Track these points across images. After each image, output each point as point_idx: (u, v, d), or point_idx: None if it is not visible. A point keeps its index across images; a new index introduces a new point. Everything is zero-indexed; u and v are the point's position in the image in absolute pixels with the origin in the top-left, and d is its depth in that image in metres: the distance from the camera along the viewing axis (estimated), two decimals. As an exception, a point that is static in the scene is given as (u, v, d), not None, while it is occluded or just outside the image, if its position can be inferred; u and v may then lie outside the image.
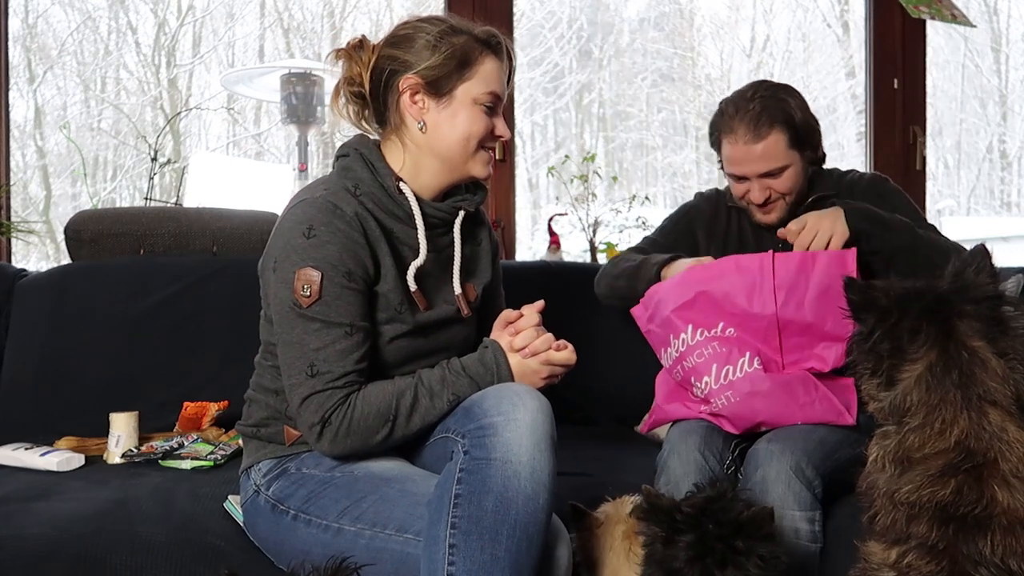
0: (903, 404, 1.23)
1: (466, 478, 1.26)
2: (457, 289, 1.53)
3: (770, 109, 1.83)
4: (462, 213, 1.54)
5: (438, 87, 1.46)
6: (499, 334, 1.49)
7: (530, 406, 1.30)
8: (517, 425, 1.28)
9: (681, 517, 1.26)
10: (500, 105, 1.52)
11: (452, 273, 1.54)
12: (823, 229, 1.73)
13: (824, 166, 1.99)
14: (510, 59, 1.53)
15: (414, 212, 1.48)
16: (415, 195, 1.49)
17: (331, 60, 1.52)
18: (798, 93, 1.89)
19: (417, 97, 1.47)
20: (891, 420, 1.25)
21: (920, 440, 1.20)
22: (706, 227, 2.02)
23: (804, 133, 1.86)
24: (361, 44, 1.50)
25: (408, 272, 1.46)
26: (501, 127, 1.52)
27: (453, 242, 1.54)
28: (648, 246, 2.04)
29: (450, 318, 1.53)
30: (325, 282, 1.38)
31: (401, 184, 1.48)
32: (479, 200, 1.59)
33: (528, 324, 1.47)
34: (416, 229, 1.48)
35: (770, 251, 1.73)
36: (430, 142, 1.48)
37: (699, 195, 2.10)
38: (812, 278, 1.68)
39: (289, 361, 1.41)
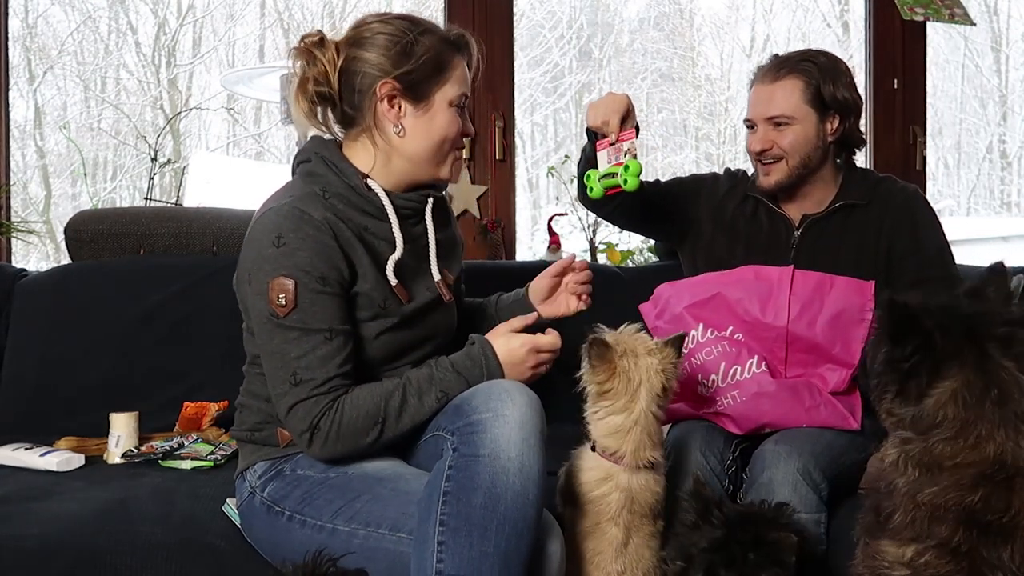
0: (933, 418, 1.21)
1: (455, 475, 1.26)
2: (436, 275, 1.53)
3: (799, 60, 1.83)
4: (431, 200, 1.54)
5: (416, 93, 1.46)
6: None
7: (519, 402, 1.30)
8: (506, 421, 1.28)
9: (716, 513, 1.31)
10: (466, 103, 1.54)
11: (429, 260, 1.54)
12: None
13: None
14: (471, 55, 1.54)
15: (385, 206, 1.48)
16: (384, 189, 1.49)
17: (291, 58, 1.50)
18: (847, 69, 1.86)
19: (395, 102, 1.46)
20: (910, 430, 1.25)
21: (952, 450, 1.19)
22: (715, 202, 1.96)
23: (829, 99, 1.81)
24: (322, 41, 1.47)
25: (387, 267, 1.46)
26: (469, 125, 1.55)
27: (426, 230, 1.54)
28: (649, 184, 1.98)
29: (432, 304, 1.54)
30: (299, 289, 1.37)
31: (368, 181, 1.48)
32: (444, 185, 1.61)
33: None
34: (389, 222, 1.48)
35: (790, 266, 1.73)
36: (406, 146, 1.49)
37: (726, 170, 2.05)
38: (827, 299, 1.67)
39: (272, 371, 1.41)
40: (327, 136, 1.53)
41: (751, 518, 1.32)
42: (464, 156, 2.77)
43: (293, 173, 1.54)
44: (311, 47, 1.46)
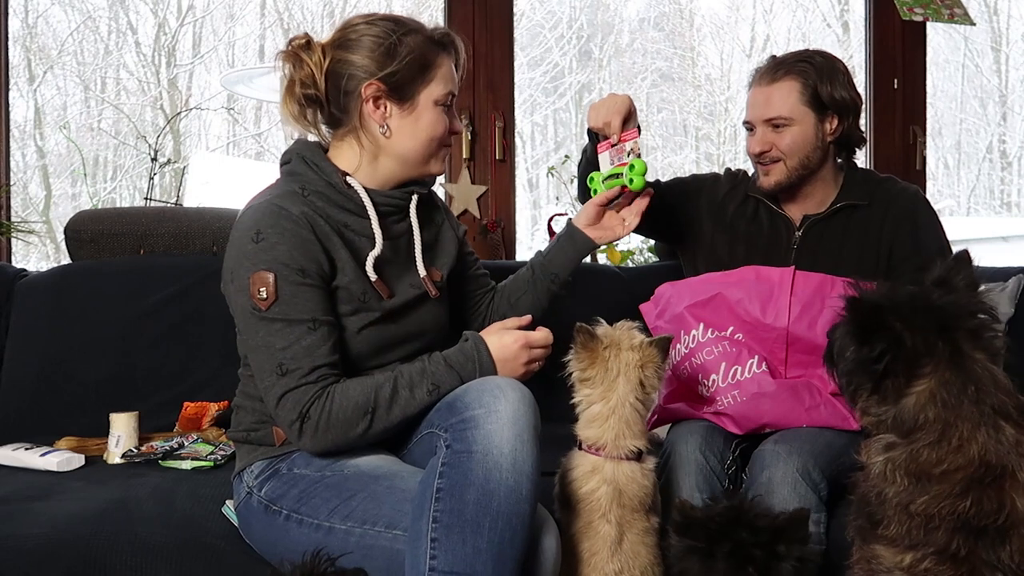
0: (914, 420, 1.20)
1: (447, 472, 1.26)
2: (422, 272, 1.54)
3: (795, 61, 1.82)
4: (415, 197, 1.55)
5: (401, 93, 1.48)
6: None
7: (511, 397, 1.30)
8: (498, 417, 1.28)
9: (716, 527, 1.26)
10: (454, 102, 1.54)
11: (415, 257, 1.55)
12: None
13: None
14: (459, 54, 1.54)
15: (365, 203, 1.49)
16: (364, 188, 1.50)
17: (278, 61, 1.52)
18: (845, 68, 1.85)
19: (380, 103, 1.48)
20: (893, 433, 1.24)
21: (937, 455, 1.18)
22: (715, 202, 1.96)
23: (827, 99, 1.81)
24: (308, 44, 1.49)
25: (367, 263, 1.47)
26: (457, 123, 1.56)
27: (411, 227, 1.55)
28: (649, 185, 1.99)
29: (418, 300, 1.54)
30: (280, 282, 1.39)
31: (348, 178, 1.49)
32: (431, 182, 1.62)
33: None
34: (369, 220, 1.49)
35: (792, 267, 1.73)
36: (393, 146, 1.50)
37: (727, 170, 2.04)
38: (829, 301, 1.67)
39: (259, 365, 1.42)
40: (312, 138, 1.55)
41: (743, 516, 1.28)
42: (464, 156, 2.80)
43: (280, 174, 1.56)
44: (298, 50, 1.49)
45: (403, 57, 1.46)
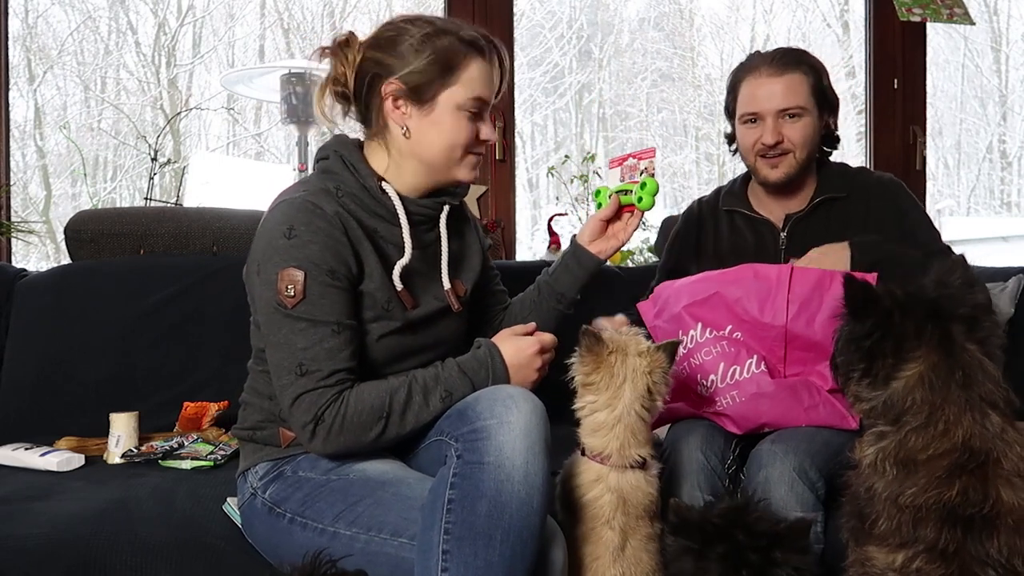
0: (903, 403, 1.23)
1: (459, 483, 1.25)
2: (446, 284, 1.53)
3: (795, 54, 1.86)
4: (447, 208, 1.54)
5: (420, 94, 1.44)
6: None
7: (524, 409, 1.29)
8: (510, 428, 1.27)
9: (712, 528, 1.25)
10: (487, 109, 1.49)
11: (440, 269, 1.53)
12: (825, 266, 1.70)
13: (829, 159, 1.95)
14: (501, 61, 1.50)
15: (398, 211, 1.47)
16: (398, 194, 1.48)
17: (316, 57, 1.51)
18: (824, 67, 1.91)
19: (400, 103, 1.45)
20: (883, 420, 1.26)
21: (923, 441, 1.20)
22: (695, 242, 1.98)
23: (828, 91, 1.86)
24: (348, 42, 1.47)
25: (394, 271, 1.46)
26: (487, 131, 1.49)
27: (439, 237, 1.54)
28: (664, 277, 1.97)
29: (440, 312, 1.53)
30: (309, 281, 1.37)
31: (384, 184, 1.48)
32: (463, 193, 1.60)
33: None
34: (400, 227, 1.47)
35: (790, 263, 1.72)
36: (413, 148, 1.48)
37: (688, 210, 2.05)
38: (827, 297, 1.66)
39: (278, 362, 1.40)
40: (353, 135, 1.54)
41: (742, 517, 1.27)
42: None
43: (314, 169, 1.55)
44: (337, 48, 1.48)
45: (426, 56, 1.43)
